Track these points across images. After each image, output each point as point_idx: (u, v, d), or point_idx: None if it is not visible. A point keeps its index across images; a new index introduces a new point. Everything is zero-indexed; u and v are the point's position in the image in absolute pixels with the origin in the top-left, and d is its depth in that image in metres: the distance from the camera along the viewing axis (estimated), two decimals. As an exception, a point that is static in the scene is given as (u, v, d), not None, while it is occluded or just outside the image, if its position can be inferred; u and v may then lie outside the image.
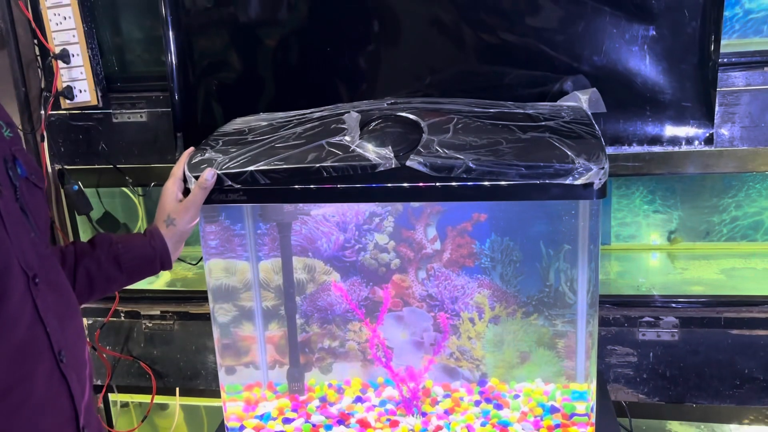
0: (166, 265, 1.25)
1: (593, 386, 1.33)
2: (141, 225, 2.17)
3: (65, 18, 1.72)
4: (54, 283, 1.00)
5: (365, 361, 1.56)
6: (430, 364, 1.50)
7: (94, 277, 1.16)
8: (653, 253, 1.98)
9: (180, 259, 1.93)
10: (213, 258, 1.46)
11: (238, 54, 1.66)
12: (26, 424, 0.89)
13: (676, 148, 1.52)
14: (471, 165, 1.11)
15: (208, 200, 1.22)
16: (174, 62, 1.67)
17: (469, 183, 1.12)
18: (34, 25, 1.75)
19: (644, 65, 1.49)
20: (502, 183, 1.12)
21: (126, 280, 1.21)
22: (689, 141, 1.52)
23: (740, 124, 1.51)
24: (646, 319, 1.66)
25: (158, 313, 1.93)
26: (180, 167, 1.24)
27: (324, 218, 1.50)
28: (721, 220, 1.93)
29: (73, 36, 1.73)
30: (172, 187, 1.23)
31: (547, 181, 1.10)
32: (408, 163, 1.14)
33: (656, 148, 1.53)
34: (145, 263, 1.22)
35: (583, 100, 1.39)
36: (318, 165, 1.16)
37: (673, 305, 1.66)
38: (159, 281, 2.03)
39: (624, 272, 1.89)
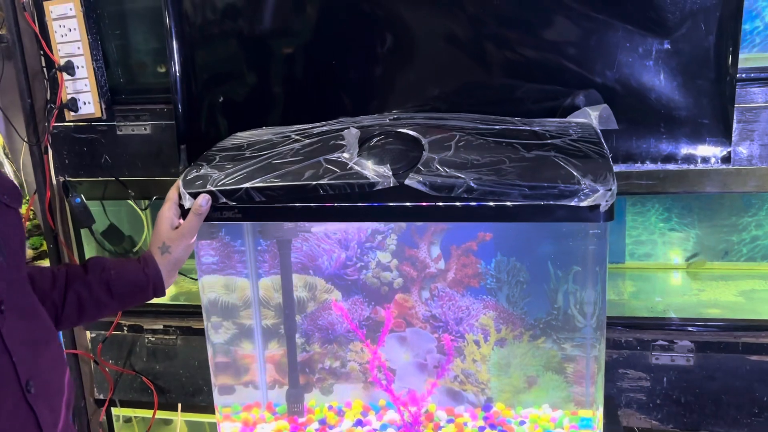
0: (159, 292, 1.22)
1: (599, 413, 1.27)
2: (147, 237, 2.15)
3: (70, 30, 1.71)
4: (23, 308, 0.96)
5: (367, 382, 1.51)
6: (433, 388, 1.46)
7: (84, 301, 1.13)
8: (669, 273, 1.91)
9: (182, 274, 1.90)
10: (208, 274, 1.43)
11: (242, 67, 1.63)
12: None
13: (692, 166, 1.47)
14: (472, 184, 1.07)
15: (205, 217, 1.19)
16: (178, 74, 1.65)
17: (470, 204, 1.08)
18: (39, 36, 1.74)
19: (658, 80, 1.44)
20: (505, 204, 1.07)
21: (117, 306, 1.19)
22: (705, 159, 1.46)
23: (759, 141, 1.45)
24: (660, 342, 1.60)
25: (161, 327, 1.90)
26: (174, 191, 1.22)
27: (325, 235, 1.46)
28: (740, 240, 1.86)
29: (78, 48, 1.72)
30: (167, 213, 1.21)
31: (551, 203, 1.05)
32: (407, 182, 1.10)
33: (671, 166, 1.47)
34: (137, 290, 1.19)
35: (593, 116, 1.34)
36: (314, 183, 1.12)
37: (689, 328, 1.60)
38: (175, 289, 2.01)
39: (638, 292, 1.83)
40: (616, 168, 1.50)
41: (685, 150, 1.46)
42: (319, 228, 1.44)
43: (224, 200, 1.17)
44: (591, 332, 1.34)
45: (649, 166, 1.49)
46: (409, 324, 1.47)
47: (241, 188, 1.16)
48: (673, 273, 1.91)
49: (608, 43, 1.43)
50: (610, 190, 1.04)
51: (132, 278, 1.18)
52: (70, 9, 1.70)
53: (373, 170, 1.12)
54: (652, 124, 1.47)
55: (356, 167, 1.13)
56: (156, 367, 1.93)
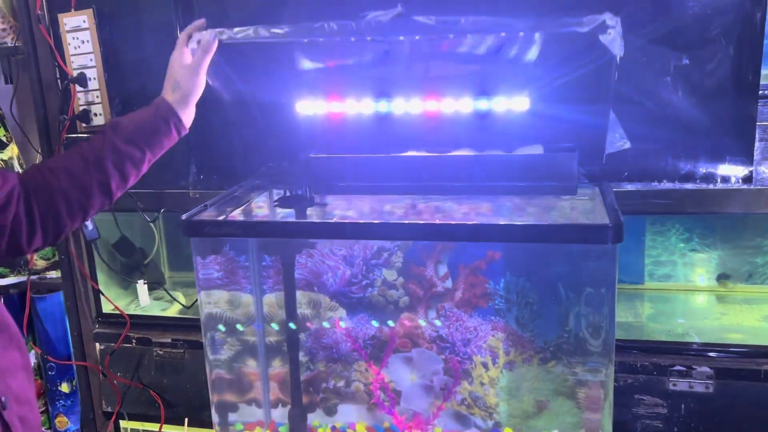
0: (180, 128, 1.26)
1: (610, 443, 1.22)
2: (159, 248, 2.14)
3: (83, 42, 1.72)
4: None
5: (372, 403, 1.48)
6: (439, 410, 1.42)
7: (117, 165, 1.17)
8: (690, 295, 1.85)
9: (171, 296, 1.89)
10: (206, 290, 1.42)
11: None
12: None
13: (711, 186, 1.41)
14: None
15: (200, 233, 1.17)
16: (188, 87, 1.63)
17: (477, 223, 1.05)
18: (54, 48, 1.74)
19: (676, 96, 1.39)
20: (513, 224, 1.03)
21: (151, 156, 1.23)
22: (725, 179, 1.40)
23: (783, 160, 1.39)
24: (678, 368, 1.54)
25: (169, 340, 1.89)
26: (184, 35, 1.28)
27: (330, 251, 1.43)
28: (765, 262, 1.79)
29: (91, 60, 1.73)
30: (178, 57, 1.27)
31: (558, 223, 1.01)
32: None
33: (689, 186, 1.42)
34: (159, 133, 1.23)
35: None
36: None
37: (709, 354, 1.53)
38: (171, 309, 2.00)
39: (656, 314, 1.77)
40: (632, 186, 1.46)
41: (703, 169, 1.41)
42: (323, 244, 1.42)
43: (223, 216, 1.14)
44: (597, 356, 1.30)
45: (666, 185, 1.43)
46: (415, 344, 1.44)
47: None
48: (694, 295, 1.84)
49: (624, 57, 1.38)
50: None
51: (150, 124, 1.22)
52: (84, 21, 1.70)
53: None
54: (669, 142, 1.41)
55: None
56: (164, 381, 1.91)
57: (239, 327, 1.44)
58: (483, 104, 1.28)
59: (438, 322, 1.40)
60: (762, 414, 1.50)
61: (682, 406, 1.55)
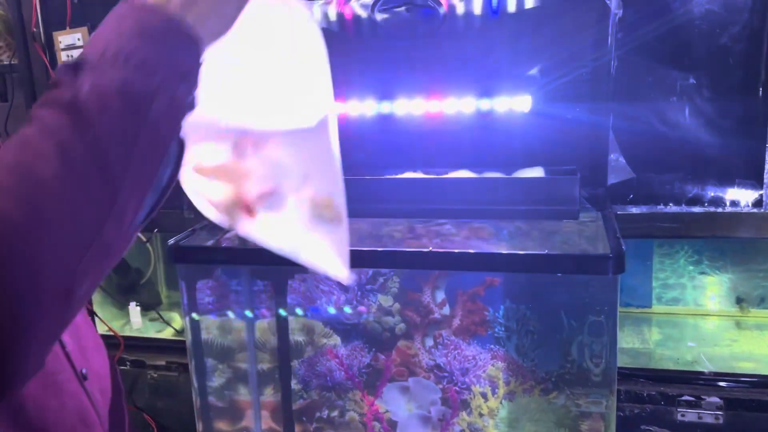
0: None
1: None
2: (156, 269, 2.11)
3: (78, 60, 1.69)
4: None
5: (367, 433, 1.43)
6: (436, 442, 1.36)
7: None
8: (699, 320, 1.79)
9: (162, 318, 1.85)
10: (194, 315, 1.37)
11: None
12: None
13: (720, 210, 1.36)
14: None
15: (187, 259, 1.13)
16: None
17: (476, 252, 1.00)
18: (49, 66, 1.72)
19: (683, 117, 1.34)
20: (514, 253, 0.99)
21: None
22: (735, 203, 1.35)
23: (795, 184, 1.34)
24: (686, 398, 1.47)
25: (164, 363, 1.84)
26: None
27: (324, 276, 1.39)
28: (777, 286, 1.73)
29: (85, 78, 1.70)
30: None
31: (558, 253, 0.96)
32: None
33: (697, 209, 1.37)
34: None
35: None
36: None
37: (719, 384, 1.47)
38: (167, 331, 1.95)
39: (665, 340, 1.71)
40: (637, 209, 1.41)
41: (712, 192, 1.35)
42: (316, 269, 1.37)
43: (212, 242, 1.10)
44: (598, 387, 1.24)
45: (673, 209, 1.38)
46: (411, 373, 1.39)
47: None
48: (704, 320, 1.78)
49: (629, 77, 1.34)
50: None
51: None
52: (78, 39, 1.68)
53: None
54: (676, 164, 1.37)
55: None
56: (158, 404, 1.87)
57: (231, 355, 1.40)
58: (485, 104, 1.25)
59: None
60: (775, 447, 1.44)
61: (691, 437, 1.48)
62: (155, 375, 1.86)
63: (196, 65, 0.54)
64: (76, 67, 0.50)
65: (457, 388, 1.35)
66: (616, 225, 1.14)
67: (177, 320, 2.01)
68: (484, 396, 1.36)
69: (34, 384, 0.71)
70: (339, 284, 1.39)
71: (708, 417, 1.47)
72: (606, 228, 1.12)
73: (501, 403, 1.35)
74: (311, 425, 1.44)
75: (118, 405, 0.92)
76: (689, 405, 1.47)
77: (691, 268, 1.78)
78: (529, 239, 1.39)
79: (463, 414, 1.37)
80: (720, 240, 1.74)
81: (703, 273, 1.78)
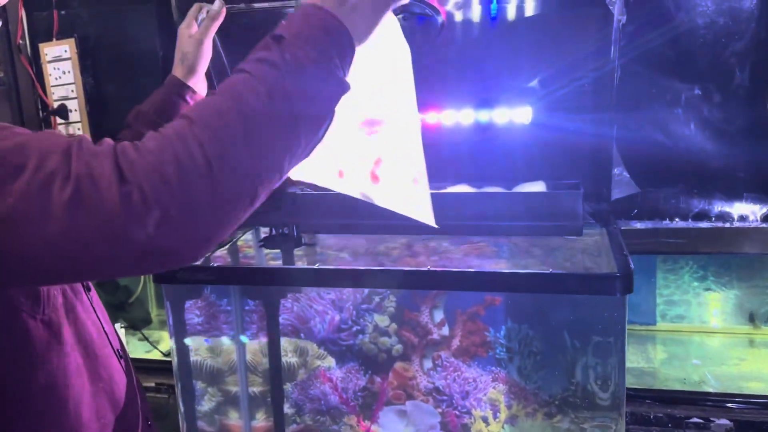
0: (197, 97, 1.21)
1: None
2: (146, 286, 2.05)
3: (65, 72, 1.64)
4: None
5: (363, 459, 1.37)
6: (435, 468, 1.30)
7: None
8: (705, 337, 1.73)
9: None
10: (182, 336, 1.32)
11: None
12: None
13: (727, 225, 1.31)
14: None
15: (172, 280, 1.07)
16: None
17: (478, 270, 0.95)
18: (34, 79, 1.67)
19: (688, 129, 1.30)
20: (516, 273, 0.93)
21: None
22: (743, 217, 1.30)
23: (805, 198, 1.29)
24: (694, 420, 1.42)
25: (153, 384, 1.78)
26: (196, 7, 1.22)
27: (318, 295, 1.33)
28: (785, 302, 1.68)
29: (72, 91, 1.65)
30: (185, 29, 1.22)
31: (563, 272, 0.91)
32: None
33: (704, 224, 1.32)
34: (178, 108, 1.18)
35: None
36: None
37: (728, 405, 1.42)
38: (156, 352, 1.89)
39: (671, 359, 1.65)
40: (642, 225, 1.36)
41: (719, 207, 1.31)
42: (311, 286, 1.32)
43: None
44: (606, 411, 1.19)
45: (678, 224, 1.34)
46: (409, 396, 1.33)
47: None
48: (710, 338, 1.73)
49: (631, 89, 1.29)
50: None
51: (167, 103, 1.18)
52: (65, 51, 1.63)
53: None
54: (681, 178, 1.32)
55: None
56: (147, 428, 1.80)
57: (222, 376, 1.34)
58: (484, 116, 1.21)
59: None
60: (787, 472, 1.38)
61: (700, 461, 1.43)
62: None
63: (352, 55, 0.74)
64: (277, 39, 0.69)
65: (456, 412, 1.30)
66: (623, 241, 1.09)
67: (167, 339, 1.95)
68: (485, 420, 1.30)
69: (87, 356, 0.84)
70: (333, 303, 1.34)
71: (717, 440, 1.41)
72: (612, 245, 1.07)
73: (503, 427, 1.29)
74: (305, 451, 1.38)
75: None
76: (697, 427, 1.42)
77: (696, 284, 1.74)
78: (530, 256, 1.34)
79: (464, 439, 1.31)
80: (726, 255, 1.69)
81: (708, 289, 1.73)
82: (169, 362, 1.83)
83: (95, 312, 0.91)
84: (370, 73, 0.84)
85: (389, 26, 0.84)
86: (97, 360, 0.86)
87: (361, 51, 0.74)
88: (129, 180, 0.59)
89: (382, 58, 0.86)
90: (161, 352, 1.80)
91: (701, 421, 1.42)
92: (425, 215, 0.91)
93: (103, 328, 0.91)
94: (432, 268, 0.98)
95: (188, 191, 0.60)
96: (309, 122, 0.68)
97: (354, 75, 0.74)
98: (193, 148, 0.61)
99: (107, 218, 0.59)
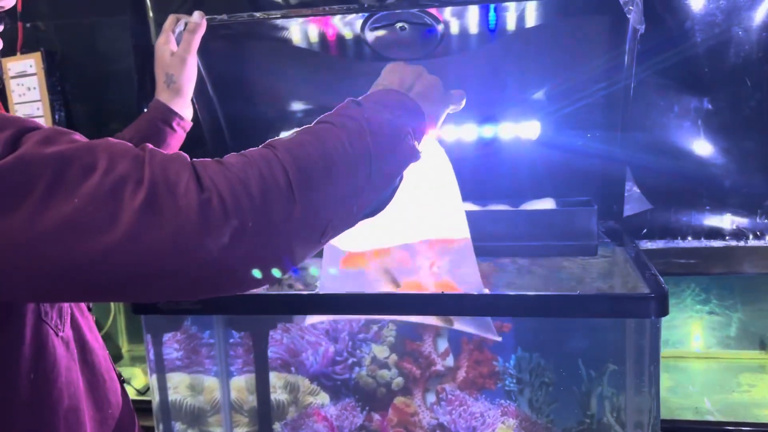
0: (184, 124, 1.19)
1: None
2: (116, 319, 1.91)
3: (29, 89, 1.53)
4: None
5: (360, 506, 1.25)
6: None
7: None
8: (709, 364, 1.66)
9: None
10: (161, 372, 1.20)
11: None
12: None
13: (742, 243, 1.25)
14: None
15: (153, 310, 0.96)
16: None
17: (496, 294, 0.86)
18: (-4, 96, 1.55)
19: (699, 143, 1.24)
20: (534, 295, 0.84)
21: None
22: (759, 235, 1.24)
23: (821, 214, 1.24)
24: (710, 453, 1.34)
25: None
26: (172, 18, 1.18)
27: (310, 325, 1.23)
28: (790, 325, 1.62)
29: (38, 109, 1.53)
30: (163, 45, 1.16)
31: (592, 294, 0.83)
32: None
33: (717, 243, 1.25)
34: (165, 136, 1.15)
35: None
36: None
37: (744, 435, 1.34)
38: (130, 390, 1.75)
39: (674, 387, 1.58)
40: (652, 245, 1.29)
41: (732, 223, 1.25)
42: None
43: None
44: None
45: (691, 243, 1.27)
46: (410, 434, 1.22)
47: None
48: (715, 364, 1.66)
49: (640, 101, 1.23)
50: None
51: (153, 131, 1.14)
52: (30, 66, 1.52)
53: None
54: (693, 194, 1.26)
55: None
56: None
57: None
58: (488, 131, 1.13)
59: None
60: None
61: (717, 497, 1.34)
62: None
63: (423, 131, 0.80)
64: (357, 103, 0.74)
65: (463, 450, 1.19)
66: (647, 260, 1.01)
67: (139, 377, 1.81)
68: (493, 458, 1.20)
69: (95, 379, 0.81)
70: (327, 333, 1.23)
71: (735, 474, 1.33)
72: (636, 264, 0.99)
73: (513, 465, 1.19)
74: (296, 499, 1.25)
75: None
76: (714, 460, 1.34)
77: (698, 306, 1.67)
78: (537, 278, 1.25)
79: (471, 480, 1.20)
80: (729, 276, 1.63)
81: (712, 313, 1.67)
82: (143, 402, 1.70)
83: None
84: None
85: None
86: (105, 384, 0.83)
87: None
88: (208, 187, 0.57)
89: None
90: (136, 389, 1.66)
91: (718, 452, 1.34)
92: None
93: (104, 351, 0.87)
94: (444, 292, 0.89)
95: (268, 208, 0.59)
96: (381, 178, 0.71)
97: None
98: (277, 170, 0.61)
99: (182, 225, 0.55)
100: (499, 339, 0.97)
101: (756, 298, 1.64)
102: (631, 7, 0.95)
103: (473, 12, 1.18)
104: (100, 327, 1.83)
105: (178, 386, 1.26)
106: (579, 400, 1.16)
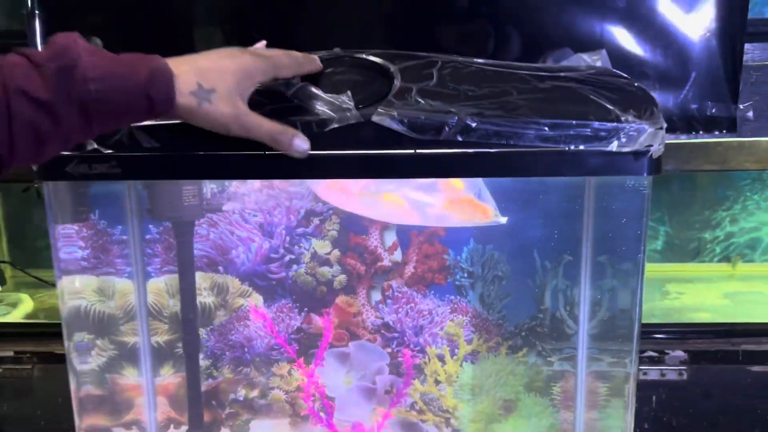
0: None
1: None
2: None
3: None
4: None
5: (295, 417, 1.14)
6: (384, 420, 1.11)
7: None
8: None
9: (39, 279, 1.47)
10: (73, 275, 1.03)
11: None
12: None
13: (692, 137, 1.22)
14: (469, 122, 0.74)
15: (61, 175, 0.79)
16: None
17: (461, 151, 0.76)
18: None
19: (652, 33, 1.19)
20: (513, 151, 0.75)
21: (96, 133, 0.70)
22: (708, 128, 1.22)
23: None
24: (649, 353, 1.33)
25: (11, 354, 1.44)
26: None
27: (241, 217, 1.09)
28: (713, 238, 1.65)
29: None
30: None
31: (581, 147, 0.75)
32: (374, 118, 0.75)
33: (669, 137, 1.22)
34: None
35: (591, 63, 1.06)
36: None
37: (681, 336, 1.34)
38: (16, 312, 1.55)
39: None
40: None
41: (684, 116, 1.21)
42: (232, 205, 1.07)
43: (96, 146, 0.77)
44: (587, 341, 1.06)
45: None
46: (353, 336, 1.12)
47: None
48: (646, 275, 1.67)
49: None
50: (661, 128, 0.75)
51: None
52: None
53: (325, 102, 0.77)
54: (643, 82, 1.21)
55: (300, 97, 0.77)
56: (3, 408, 1.46)
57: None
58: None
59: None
60: (739, 401, 1.33)
61: (654, 397, 1.35)
62: (-1, 370, 1.45)
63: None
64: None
65: (410, 352, 1.11)
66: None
67: (27, 302, 1.61)
68: (441, 359, 1.12)
69: None
70: (261, 228, 1.10)
71: (671, 374, 1.34)
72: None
73: (461, 366, 1.12)
74: (223, 411, 1.13)
75: None
76: (652, 361, 1.34)
77: (628, 221, 1.67)
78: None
79: (416, 382, 1.12)
80: (658, 192, 1.64)
81: (640, 226, 1.67)
82: (33, 324, 1.51)
83: None
84: None
85: None
86: None
87: None
88: None
89: None
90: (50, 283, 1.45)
91: (655, 354, 1.33)
92: None
93: None
94: (408, 151, 0.78)
95: None
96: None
97: None
98: None
99: None
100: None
101: (681, 212, 1.65)
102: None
103: None
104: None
105: (84, 290, 1.09)
106: (533, 294, 1.10)
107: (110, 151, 0.78)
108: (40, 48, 1.21)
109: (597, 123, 0.74)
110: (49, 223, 0.94)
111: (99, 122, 0.63)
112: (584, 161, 0.75)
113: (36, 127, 0.60)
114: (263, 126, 0.71)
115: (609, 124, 0.74)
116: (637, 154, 0.75)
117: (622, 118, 0.74)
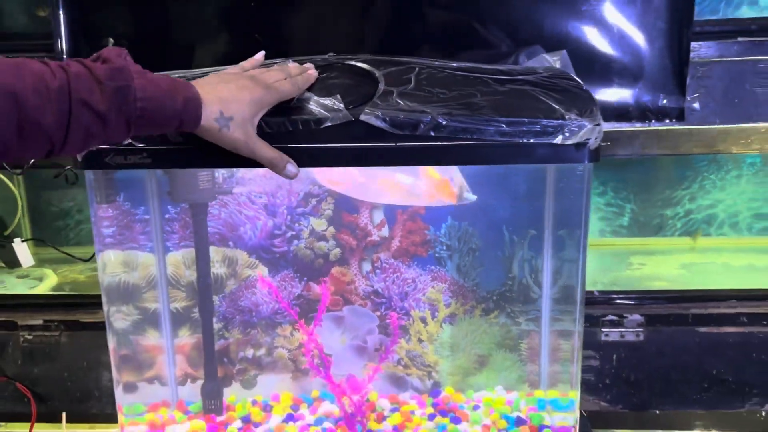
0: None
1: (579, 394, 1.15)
2: (21, 220, 1.83)
3: None
4: None
5: (297, 371, 1.31)
6: (374, 373, 1.27)
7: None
8: (605, 250, 1.83)
9: (68, 254, 1.62)
10: (108, 249, 1.18)
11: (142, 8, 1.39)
12: None
13: (646, 125, 1.38)
14: (440, 120, 0.90)
15: (99, 165, 0.94)
16: (63, 19, 1.37)
17: (434, 143, 0.91)
18: None
19: (611, 35, 1.33)
20: (476, 143, 0.91)
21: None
22: (659, 117, 1.37)
23: (712, 99, 1.38)
24: (610, 317, 1.50)
25: (40, 322, 1.60)
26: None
27: (249, 199, 1.24)
28: (674, 214, 1.81)
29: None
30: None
31: (532, 141, 0.90)
32: (362, 117, 0.91)
33: (625, 126, 1.38)
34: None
35: (552, 63, 1.21)
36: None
37: (638, 302, 1.51)
38: (43, 285, 1.70)
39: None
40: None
41: (637, 106, 1.37)
42: (241, 189, 1.23)
43: (129, 140, 0.93)
44: (550, 304, 1.22)
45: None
46: (347, 302, 1.28)
47: (153, 126, 0.93)
48: (608, 250, 1.83)
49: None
50: (598, 124, 0.90)
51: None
52: None
53: (319, 104, 0.92)
54: (603, 79, 1.36)
55: (300, 101, 0.93)
56: (34, 371, 1.62)
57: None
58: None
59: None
60: (689, 358, 1.50)
61: (614, 356, 1.51)
62: (29, 337, 1.61)
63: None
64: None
65: (397, 315, 1.27)
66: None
67: (51, 276, 1.76)
68: (423, 321, 1.29)
69: None
70: (265, 208, 1.26)
71: (630, 335, 1.50)
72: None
73: (441, 326, 1.29)
74: (234, 367, 1.29)
75: None
76: (612, 324, 1.50)
77: (597, 199, 1.82)
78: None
79: (402, 341, 1.29)
80: (624, 171, 1.79)
81: (608, 204, 1.83)
82: (58, 296, 1.67)
83: None
84: None
85: None
86: None
87: None
88: None
89: None
90: (84, 260, 1.59)
91: (615, 318, 1.50)
92: None
93: None
94: (389, 144, 0.93)
95: None
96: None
97: None
98: None
99: None
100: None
101: (645, 191, 1.81)
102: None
103: None
104: (4, 226, 1.75)
105: (110, 264, 1.25)
106: (502, 264, 1.26)
107: (141, 145, 0.93)
108: (64, 46, 1.36)
109: (545, 120, 0.90)
110: (91, 204, 1.09)
111: (137, 130, 0.79)
112: (535, 152, 0.91)
113: (88, 130, 0.75)
114: (265, 152, 0.87)
115: (555, 122, 0.90)
116: (578, 146, 0.90)
117: (566, 116, 0.90)
